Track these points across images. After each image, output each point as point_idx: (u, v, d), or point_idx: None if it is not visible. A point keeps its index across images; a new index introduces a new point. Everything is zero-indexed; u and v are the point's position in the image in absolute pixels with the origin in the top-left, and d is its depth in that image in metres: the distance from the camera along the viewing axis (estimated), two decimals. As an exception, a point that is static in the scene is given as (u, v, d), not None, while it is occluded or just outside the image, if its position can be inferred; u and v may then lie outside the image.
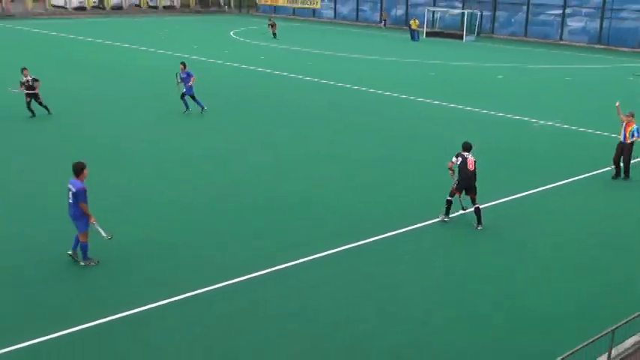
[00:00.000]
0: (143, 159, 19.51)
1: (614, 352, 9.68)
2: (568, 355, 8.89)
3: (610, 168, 18.60)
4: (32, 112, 23.60)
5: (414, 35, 53.55)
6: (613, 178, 18.34)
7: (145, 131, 22.68)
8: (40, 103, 23.72)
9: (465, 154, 14.65)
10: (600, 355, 9.52)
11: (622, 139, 18.13)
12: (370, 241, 13.89)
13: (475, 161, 14.68)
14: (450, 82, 34.17)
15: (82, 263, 12.49)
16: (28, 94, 23.35)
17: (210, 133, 22.77)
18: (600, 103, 29.25)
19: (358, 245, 13.67)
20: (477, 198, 14.79)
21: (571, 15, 54.58)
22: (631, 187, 18.07)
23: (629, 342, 10.14)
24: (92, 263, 12.50)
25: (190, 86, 24.84)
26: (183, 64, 25.10)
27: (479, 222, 14.75)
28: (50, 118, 23.98)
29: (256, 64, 37.69)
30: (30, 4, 68.91)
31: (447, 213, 15.05)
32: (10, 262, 12.63)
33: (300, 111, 26.35)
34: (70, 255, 12.60)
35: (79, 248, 12.51)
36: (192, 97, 25.02)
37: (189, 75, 24.73)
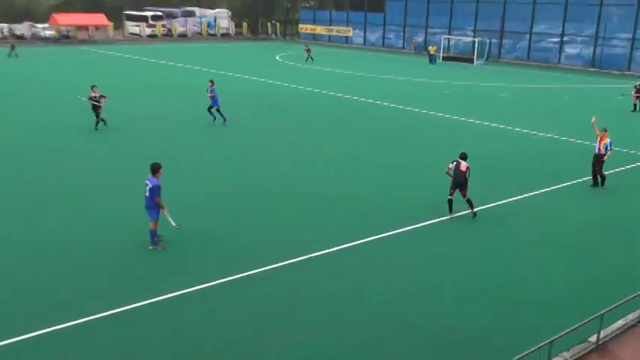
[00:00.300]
0: (207, 163, 19.65)
1: (602, 333, 9.48)
2: (564, 334, 8.73)
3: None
4: (103, 122, 23.28)
5: (432, 59, 53.26)
6: (591, 186, 17.77)
7: (203, 138, 22.83)
8: (98, 116, 23.16)
9: (460, 160, 14.86)
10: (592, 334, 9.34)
11: (597, 151, 17.64)
12: (392, 234, 13.79)
13: (468, 166, 14.73)
14: (462, 98, 33.82)
15: (150, 247, 12.56)
16: (94, 107, 23.03)
17: (253, 139, 22.79)
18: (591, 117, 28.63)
19: (380, 237, 13.57)
20: (492, 197, 14.58)
21: (568, 42, 53.76)
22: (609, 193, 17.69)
23: (618, 324, 9.92)
24: (158, 248, 12.59)
25: (216, 100, 24.52)
26: (212, 81, 24.89)
27: (471, 209, 14.90)
28: (117, 128, 24.22)
29: (297, 82, 37.75)
30: (111, 33, 69.92)
31: (450, 209, 14.96)
32: (98, 238, 12.83)
33: (332, 121, 26.29)
34: (153, 247, 12.58)
35: (151, 237, 12.61)
36: (218, 110, 24.75)
37: (214, 91, 24.49)
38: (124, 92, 32.20)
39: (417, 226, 14.29)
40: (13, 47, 49.29)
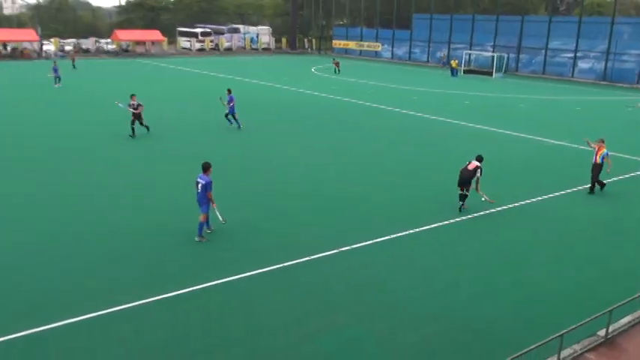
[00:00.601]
0: (238, 165, 19.71)
1: (611, 327, 9.17)
2: (574, 328, 8.48)
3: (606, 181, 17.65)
4: (133, 131, 22.78)
5: (453, 72, 52.60)
6: (589, 193, 17.11)
7: (240, 142, 22.93)
8: (141, 123, 22.99)
9: (473, 160, 14.96)
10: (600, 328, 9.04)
11: (594, 161, 17.12)
12: (414, 232, 13.59)
13: (477, 166, 14.84)
14: (482, 108, 33.30)
15: (195, 239, 12.63)
16: (133, 115, 22.76)
17: (288, 143, 22.78)
18: (603, 127, 28.01)
19: (403, 235, 13.40)
20: (500, 198, 14.29)
21: (581, 57, 52.53)
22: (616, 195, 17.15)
23: (626, 319, 9.59)
24: (203, 240, 12.66)
25: (232, 107, 24.57)
26: (229, 90, 24.94)
27: (463, 203, 14.91)
28: (160, 132, 24.48)
29: (330, 92, 37.66)
30: (165, 47, 70.91)
31: (460, 200, 14.99)
32: (148, 229, 12.95)
33: (358, 128, 26.13)
34: (199, 239, 12.65)
35: (200, 229, 12.74)
36: (233, 116, 24.78)
37: (231, 99, 24.55)
38: (168, 99, 32.58)
39: (438, 224, 14.07)
40: (73, 60, 50.38)
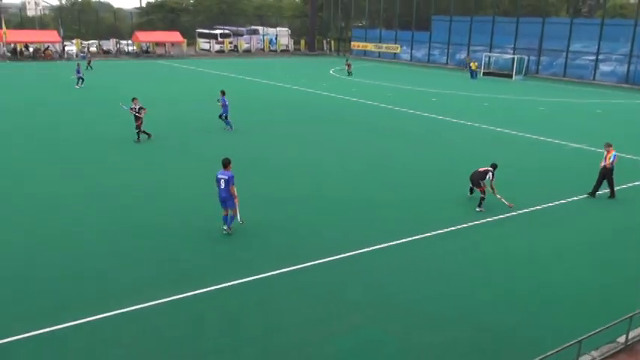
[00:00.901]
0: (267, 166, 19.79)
1: (631, 334, 9.04)
2: (593, 334, 8.38)
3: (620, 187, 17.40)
4: (138, 136, 22.25)
5: (473, 74, 52.25)
6: (589, 195, 16.81)
7: (255, 142, 23.03)
8: (139, 129, 22.24)
9: (488, 167, 15.60)
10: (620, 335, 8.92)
11: (603, 164, 16.84)
12: (435, 234, 13.54)
13: (487, 170, 15.46)
14: (501, 111, 33.05)
15: (224, 227, 13.04)
16: (135, 118, 22.15)
17: (304, 145, 22.81)
18: (625, 130, 27.65)
19: (424, 237, 13.36)
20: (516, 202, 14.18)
21: (602, 60, 51.89)
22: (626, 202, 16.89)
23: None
24: (230, 231, 13.04)
25: (226, 108, 24.63)
26: (223, 92, 24.93)
27: (479, 205, 15.29)
28: (172, 132, 24.65)
29: (348, 94, 37.65)
30: (185, 48, 71.47)
31: (470, 192, 16.10)
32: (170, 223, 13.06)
33: (378, 130, 26.09)
34: (226, 231, 13.02)
35: (229, 221, 13.03)
36: (226, 117, 24.79)
37: (225, 101, 24.63)
38: (185, 99, 32.81)
39: (454, 228, 13.99)
40: (89, 62, 50.73)
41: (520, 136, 25.60)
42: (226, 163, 12.87)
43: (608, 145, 17.08)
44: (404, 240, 13.07)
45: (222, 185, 12.71)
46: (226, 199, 12.81)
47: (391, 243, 12.86)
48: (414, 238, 13.21)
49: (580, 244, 13.36)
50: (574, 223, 14.78)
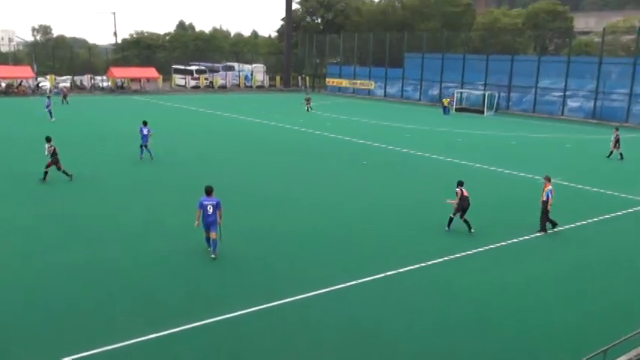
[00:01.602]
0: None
1: None
2: (618, 343, 8.45)
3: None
4: (67, 174, 21.15)
5: (445, 110, 53.25)
6: (538, 231, 16.82)
7: (237, 175, 22.99)
8: (59, 168, 21.13)
9: (462, 188, 16.47)
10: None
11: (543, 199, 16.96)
12: (405, 270, 13.56)
13: (465, 193, 16.36)
14: (473, 146, 33.63)
15: (212, 256, 13.61)
16: (52, 159, 20.95)
17: (281, 178, 22.85)
18: (594, 165, 28.35)
19: (393, 273, 13.37)
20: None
21: (570, 96, 53.44)
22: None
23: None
24: (216, 256, 13.67)
25: (146, 138, 25.25)
26: (145, 122, 25.52)
27: (470, 228, 16.40)
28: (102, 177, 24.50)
29: (324, 130, 37.94)
30: (160, 84, 71.43)
31: (449, 225, 16.63)
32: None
33: (352, 164, 26.28)
34: (214, 256, 13.60)
35: (214, 246, 13.67)
36: (145, 147, 25.36)
37: (148, 131, 25.25)
38: (159, 134, 32.74)
39: (436, 261, 14.05)
40: (65, 96, 51.20)
41: (492, 170, 26.02)
42: (210, 191, 13.75)
43: (547, 180, 17.12)
44: (380, 275, 13.07)
45: (210, 210, 13.51)
46: (212, 224, 13.57)
47: (368, 278, 12.85)
48: (389, 273, 13.23)
49: (546, 277, 13.51)
50: (540, 257, 14.96)
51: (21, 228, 15.87)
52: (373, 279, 12.84)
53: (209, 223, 13.60)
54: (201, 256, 13.65)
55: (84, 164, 24.16)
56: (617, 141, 30.26)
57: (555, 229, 17.03)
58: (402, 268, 13.51)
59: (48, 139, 21.24)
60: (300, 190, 21.21)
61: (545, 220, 16.90)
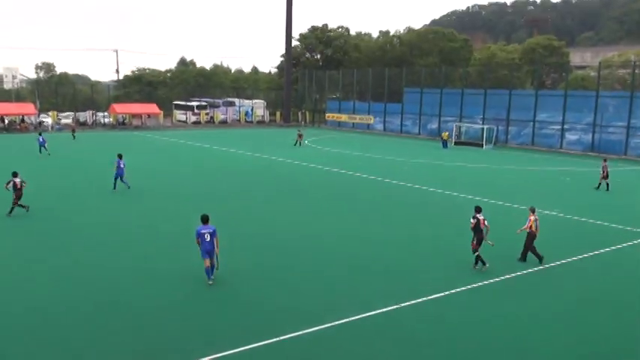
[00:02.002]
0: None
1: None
2: None
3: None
4: (11, 210, 21.15)
5: (444, 144, 53.51)
6: (519, 260, 16.81)
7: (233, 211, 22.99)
8: (17, 202, 21.17)
9: (478, 215, 15.31)
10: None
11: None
12: (411, 304, 13.45)
13: (485, 219, 15.45)
14: (472, 179, 33.69)
15: (210, 282, 14.10)
16: (16, 192, 21.07)
17: (284, 211, 22.84)
18: (593, 198, 28.34)
19: (393, 309, 13.24)
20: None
21: (568, 129, 53.78)
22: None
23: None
24: (213, 281, 14.17)
25: (121, 170, 26.07)
26: (119, 155, 26.43)
27: (484, 263, 15.60)
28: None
29: (321, 163, 38.07)
30: (161, 120, 71.90)
31: (483, 262, 15.49)
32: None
33: (351, 198, 26.31)
34: (212, 282, 14.14)
35: (212, 271, 14.19)
36: (121, 178, 26.17)
37: (122, 163, 26.14)
38: (159, 173, 32.83)
39: (467, 287, 13.94)
40: (73, 131, 52.74)
41: (492, 204, 25.99)
42: (206, 219, 14.21)
43: (531, 210, 17.11)
44: (378, 311, 12.94)
45: (208, 238, 13.97)
46: (211, 251, 14.02)
47: (368, 314, 12.72)
48: (388, 309, 13.09)
49: (549, 313, 13.38)
50: (544, 292, 14.84)
51: None
52: (374, 314, 12.72)
53: (208, 251, 14.02)
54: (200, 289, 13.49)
55: (73, 196, 24.18)
56: (606, 172, 30.43)
57: (541, 266, 16.50)
58: (394, 305, 13.39)
59: (14, 174, 21.36)
60: (297, 221, 21.17)
61: (526, 249, 16.70)
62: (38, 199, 23.35)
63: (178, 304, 13.00)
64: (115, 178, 26.16)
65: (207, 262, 14.10)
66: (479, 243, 15.57)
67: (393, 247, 18.32)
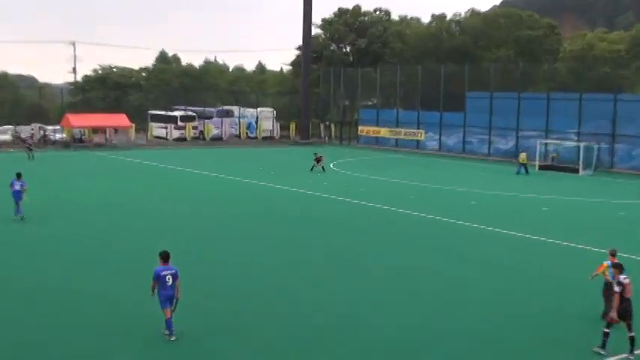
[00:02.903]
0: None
1: None
2: None
3: None
4: None
5: (520, 169, 52.65)
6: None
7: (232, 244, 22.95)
8: None
9: (622, 277, 14.04)
10: None
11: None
12: None
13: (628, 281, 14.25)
14: (565, 217, 33.21)
15: (173, 338, 14.80)
16: None
17: (299, 248, 22.73)
18: None
19: None
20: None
21: (700, 148, 53.12)
22: None
23: None
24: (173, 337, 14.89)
25: (20, 193, 29.09)
26: (18, 174, 29.47)
27: (631, 351, 13.96)
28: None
29: (357, 197, 37.86)
30: (133, 136, 72.03)
31: (604, 346, 14.16)
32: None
33: (400, 243, 26.11)
34: (173, 337, 14.81)
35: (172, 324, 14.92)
36: (17, 203, 29.04)
37: (21, 185, 29.19)
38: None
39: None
40: (30, 149, 56.16)
41: (595, 252, 25.46)
42: (166, 257, 14.97)
43: (611, 254, 16.92)
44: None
45: (170, 281, 14.65)
46: (172, 297, 14.75)
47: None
48: None
49: None
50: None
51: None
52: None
53: (169, 297, 14.72)
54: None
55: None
56: None
57: (602, 352, 14.66)
58: None
59: None
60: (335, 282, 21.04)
61: (607, 305, 15.62)
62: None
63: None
64: (16, 203, 29.07)
65: (169, 313, 14.73)
66: (622, 316, 14.10)
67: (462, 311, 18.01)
